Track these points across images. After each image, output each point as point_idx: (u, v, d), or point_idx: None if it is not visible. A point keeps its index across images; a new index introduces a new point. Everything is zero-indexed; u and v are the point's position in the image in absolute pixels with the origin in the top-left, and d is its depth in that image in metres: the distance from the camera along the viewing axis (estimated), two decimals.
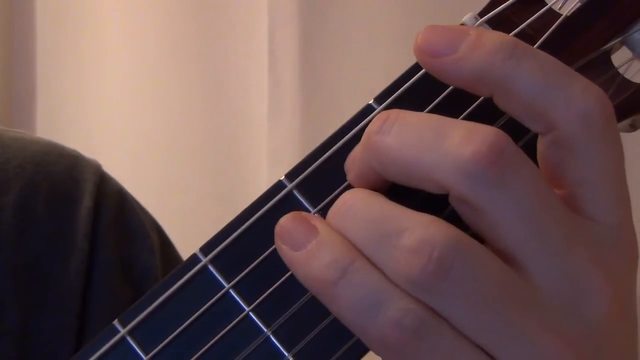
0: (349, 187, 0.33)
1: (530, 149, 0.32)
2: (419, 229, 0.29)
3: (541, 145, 0.32)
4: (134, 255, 0.55)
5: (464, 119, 0.33)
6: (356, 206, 0.31)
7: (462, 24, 0.34)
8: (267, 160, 1.18)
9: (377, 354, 0.31)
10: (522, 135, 0.33)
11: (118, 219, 0.55)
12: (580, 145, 0.30)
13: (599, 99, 0.30)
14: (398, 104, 0.34)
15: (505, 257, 0.30)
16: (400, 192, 0.32)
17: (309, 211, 0.33)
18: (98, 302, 0.52)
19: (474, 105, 0.34)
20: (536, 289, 0.30)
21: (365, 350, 0.32)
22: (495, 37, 0.30)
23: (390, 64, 1.11)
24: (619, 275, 0.31)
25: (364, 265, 0.30)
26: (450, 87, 0.34)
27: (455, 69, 0.31)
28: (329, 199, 0.33)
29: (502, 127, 0.32)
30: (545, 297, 0.30)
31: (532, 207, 0.30)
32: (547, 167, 0.32)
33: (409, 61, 0.34)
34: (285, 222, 0.32)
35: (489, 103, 0.33)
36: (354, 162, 0.33)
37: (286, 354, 0.32)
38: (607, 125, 0.30)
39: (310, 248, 0.31)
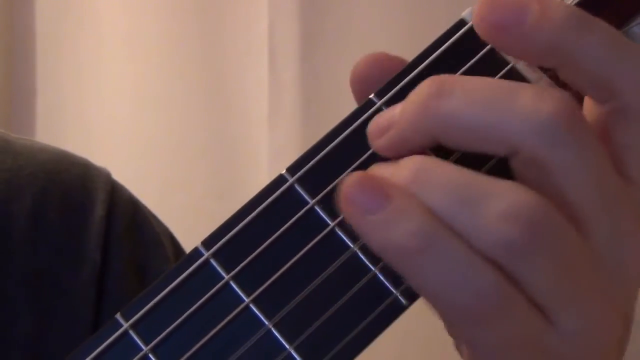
0: None
1: None
2: (508, 194, 0.29)
3: (596, 111, 0.32)
4: (148, 263, 0.55)
5: None
6: (432, 170, 0.30)
7: (462, 19, 0.34)
8: (268, 160, 1.18)
9: (454, 323, 0.30)
10: None
11: (131, 227, 0.55)
12: (638, 113, 0.30)
13: None
14: (399, 97, 0.34)
15: (569, 218, 0.30)
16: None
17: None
18: (112, 312, 0.52)
19: None
20: (594, 250, 0.30)
21: (367, 343, 0.33)
22: (561, 8, 0.30)
23: None
24: None
25: (449, 233, 0.29)
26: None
27: (524, 42, 0.30)
28: (328, 188, 0.33)
29: None
30: (601, 258, 0.30)
31: (598, 169, 0.30)
32: (597, 132, 0.31)
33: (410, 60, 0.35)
34: (355, 185, 0.30)
35: None
36: (390, 127, 0.32)
37: (287, 346, 0.32)
38: None
39: (389, 212, 0.29)
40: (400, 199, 0.29)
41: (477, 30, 0.31)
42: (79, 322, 0.51)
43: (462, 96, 0.30)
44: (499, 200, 0.29)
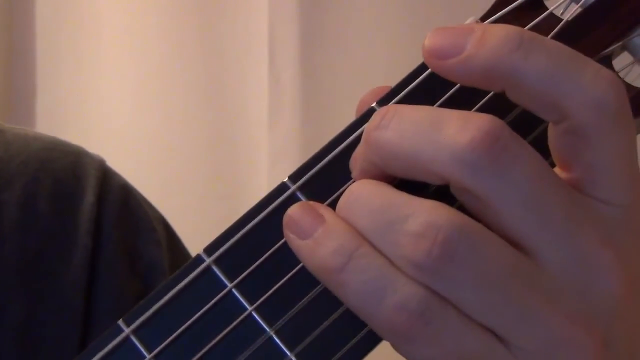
0: None
1: (541, 141, 0.32)
2: (422, 214, 0.30)
3: (553, 132, 0.31)
4: (140, 248, 0.55)
5: None
6: (362, 196, 0.31)
7: None
8: (267, 160, 1.18)
9: (387, 340, 0.31)
10: (533, 129, 0.33)
11: (122, 213, 0.56)
12: (594, 132, 0.30)
13: (610, 84, 0.30)
14: None
15: (513, 242, 0.30)
16: (410, 186, 0.32)
17: None
18: (104, 298, 0.52)
19: (476, 107, 0.34)
20: (545, 271, 0.30)
21: (367, 351, 0.33)
22: (500, 31, 0.30)
23: (390, 64, 1.11)
24: (630, 256, 0.31)
25: (369, 251, 0.30)
26: (452, 90, 0.34)
27: (463, 69, 0.30)
28: (331, 198, 0.34)
29: (511, 123, 0.32)
30: (555, 278, 0.30)
31: (532, 190, 0.30)
32: (558, 153, 0.32)
33: (409, 60, 0.34)
34: (293, 212, 0.32)
35: (492, 103, 0.33)
36: (356, 160, 0.33)
37: (288, 353, 0.33)
38: (620, 110, 0.30)
39: (316, 236, 0.31)
40: (329, 223, 0.31)
41: (424, 59, 0.32)
42: (70, 307, 0.51)
43: (395, 127, 0.31)
44: (414, 220, 0.30)
